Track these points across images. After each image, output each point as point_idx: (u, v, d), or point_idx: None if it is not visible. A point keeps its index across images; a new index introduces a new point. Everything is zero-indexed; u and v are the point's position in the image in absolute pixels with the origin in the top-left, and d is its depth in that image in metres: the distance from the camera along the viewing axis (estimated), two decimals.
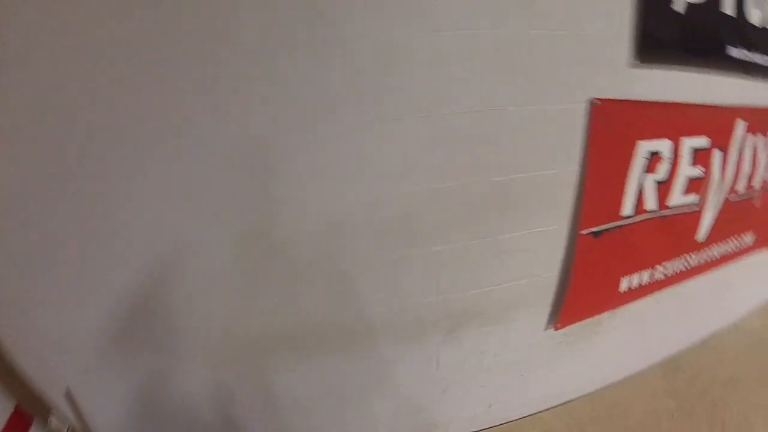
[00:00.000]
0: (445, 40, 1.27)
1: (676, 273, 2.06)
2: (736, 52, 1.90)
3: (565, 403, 2.18)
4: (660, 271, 1.97)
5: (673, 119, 1.73)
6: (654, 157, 1.70)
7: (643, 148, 1.66)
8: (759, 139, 2.13)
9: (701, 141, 1.85)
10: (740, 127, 2.00)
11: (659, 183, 1.75)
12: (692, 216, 1.96)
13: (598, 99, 1.51)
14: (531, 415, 2.12)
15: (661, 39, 1.64)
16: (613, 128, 1.57)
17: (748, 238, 2.37)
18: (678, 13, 1.62)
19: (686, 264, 2.08)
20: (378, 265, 1.46)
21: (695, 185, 1.89)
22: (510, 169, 1.47)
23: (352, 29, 1.19)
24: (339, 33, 1.19)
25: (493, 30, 1.32)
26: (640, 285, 1.92)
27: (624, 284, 1.85)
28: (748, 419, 2.29)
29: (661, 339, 2.35)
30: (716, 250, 2.20)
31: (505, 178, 1.47)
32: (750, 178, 2.16)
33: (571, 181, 1.58)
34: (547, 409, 2.16)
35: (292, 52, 1.17)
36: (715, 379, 2.46)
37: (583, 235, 1.61)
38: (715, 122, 1.90)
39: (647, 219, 1.78)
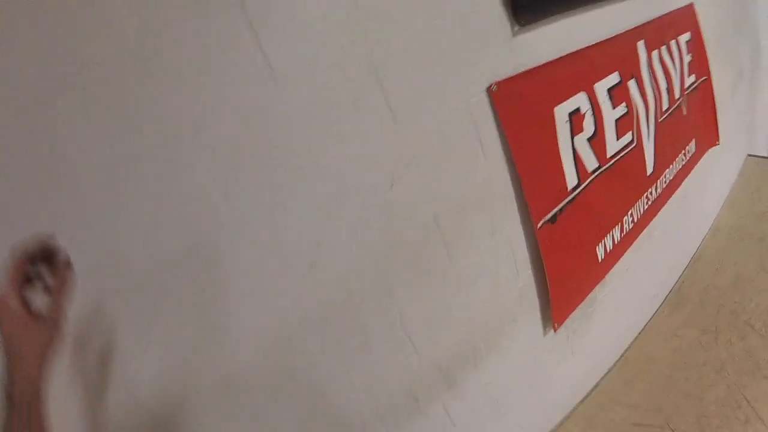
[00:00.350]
0: (295, 86, 1.04)
1: (643, 214, 1.95)
2: None
3: (595, 387, 2.02)
4: (628, 222, 1.85)
5: (577, 70, 1.60)
6: (575, 116, 1.56)
7: (561, 112, 1.51)
8: (663, 51, 2.06)
9: (613, 79, 1.73)
10: (642, 48, 1.91)
11: (591, 139, 1.61)
12: (634, 154, 1.85)
13: (495, 84, 1.34)
14: (568, 415, 1.95)
15: None
16: (523, 106, 1.41)
17: (692, 147, 2.31)
18: None
19: (648, 201, 1.98)
20: (341, 363, 1.22)
21: (625, 124, 1.77)
22: (436, 199, 1.27)
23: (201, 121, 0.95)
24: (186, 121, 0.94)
25: (352, 48, 1.11)
26: (616, 244, 1.78)
27: (600, 252, 1.70)
28: None
29: (654, 281, 2.24)
30: (669, 174, 2.11)
31: (433, 210, 1.27)
32: (670, 91, 2.09)
33: (505, 180, 1.40)
34: (581, 401, 1.99)
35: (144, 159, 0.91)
36: (720, 289, 2.39)
37: (539, 228, 1.45)
38: (617, 54, 1.79)
39: (595, 179, 1.64)
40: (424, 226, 1.28)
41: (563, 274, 1.54)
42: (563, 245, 1.52)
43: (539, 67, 1.47)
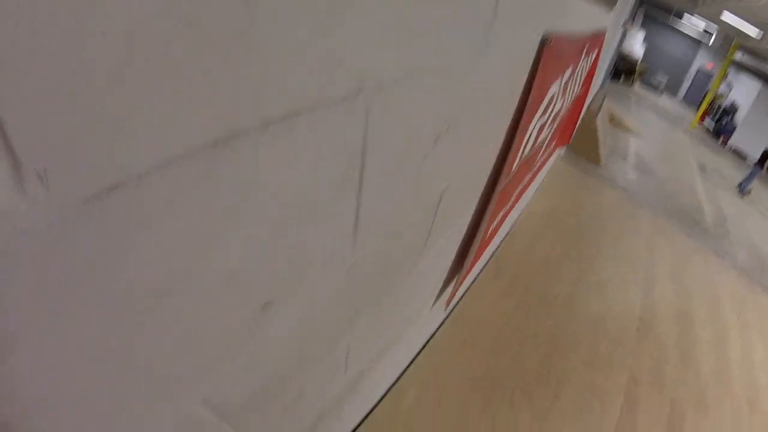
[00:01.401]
0: None
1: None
2: None
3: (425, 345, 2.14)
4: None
5: (572, 50, 1.53)
6: (551, 99, 1.52)
7: (552, 90, 1.44)
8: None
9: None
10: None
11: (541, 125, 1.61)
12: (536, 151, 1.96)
13: (552, 36, 1.12)
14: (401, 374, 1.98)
15: None
16: (551, 67, 1.26)
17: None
18: None
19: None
20: None
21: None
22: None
23: None
24: None
25: None
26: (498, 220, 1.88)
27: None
28: (580, 280, 2.71)
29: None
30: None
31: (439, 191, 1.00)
32: None
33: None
34: (412, 360, 2.05)
35: None
36: (532, 266, 2.78)
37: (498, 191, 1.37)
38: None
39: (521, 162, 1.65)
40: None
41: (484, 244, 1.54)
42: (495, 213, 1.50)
43: (572, 32, 1.32)
